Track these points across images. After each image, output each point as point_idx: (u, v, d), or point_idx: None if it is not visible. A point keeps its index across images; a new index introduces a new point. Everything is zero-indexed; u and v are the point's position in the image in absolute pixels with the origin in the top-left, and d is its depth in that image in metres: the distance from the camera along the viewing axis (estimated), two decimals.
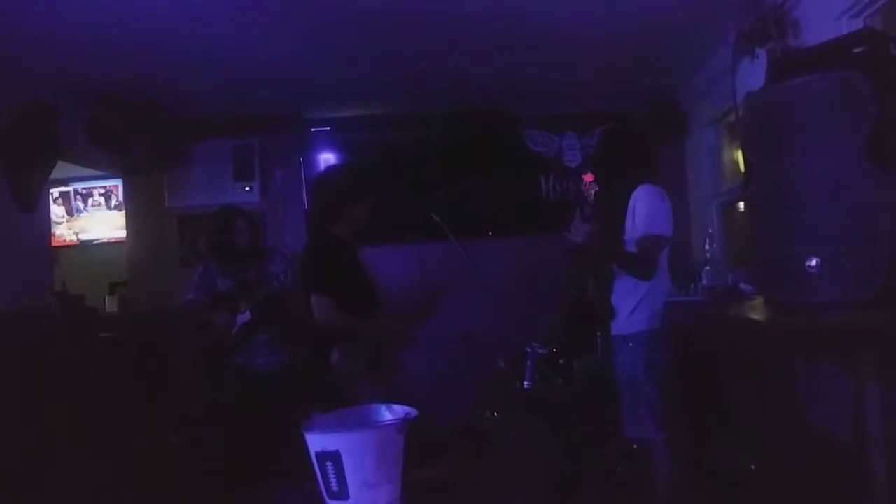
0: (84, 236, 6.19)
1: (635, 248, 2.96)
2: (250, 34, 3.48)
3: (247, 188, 5.01)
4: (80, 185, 6.15)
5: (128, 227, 5.42)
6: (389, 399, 2.44)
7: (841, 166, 1.77)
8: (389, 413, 2.17)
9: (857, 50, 1.91)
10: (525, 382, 3.70)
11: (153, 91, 4.23)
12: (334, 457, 1.87)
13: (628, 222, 2.98)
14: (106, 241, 6.12)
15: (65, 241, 6.15)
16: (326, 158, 5.21)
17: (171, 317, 4.25)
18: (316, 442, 1.93)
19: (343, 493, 1.89)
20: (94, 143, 4.30)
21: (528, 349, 3.71)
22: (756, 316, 2.17)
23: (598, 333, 3.32)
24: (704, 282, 3.01)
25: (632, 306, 2.97)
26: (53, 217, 5.79)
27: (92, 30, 3.24)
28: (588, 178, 3.29)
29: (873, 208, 1.72)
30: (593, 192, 3.20)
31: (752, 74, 2.99)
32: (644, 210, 2.93)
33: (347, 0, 3.18)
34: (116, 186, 5.90)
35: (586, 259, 3.30)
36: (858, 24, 2.69)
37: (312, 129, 5.23)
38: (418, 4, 3.28)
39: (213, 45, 3.58)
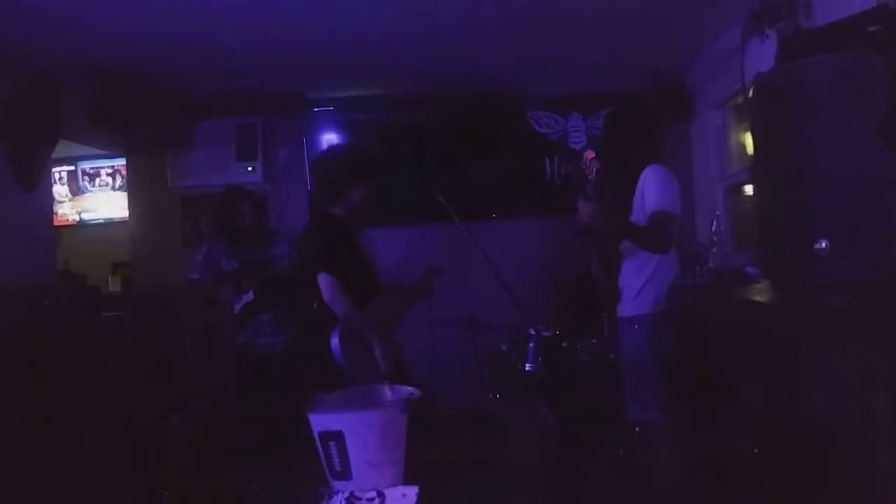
0: (87, 216, 6.19)
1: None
2: (253, 12, 3.44)
3: (249, 168, 4.98)
4: (87, 165, 6.14)
5: (130, 206, 5.41)
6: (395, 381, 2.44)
7: (852, 147, 1.73)
8: (393, 393, 2.16)
9: (871, 28, 1.87)
10: (528, 365, 3.69)
11: (154, 70, 4.20)
12: (337, 437, 1.87)
13: (636, 203, 2.96)
14: (103, 220, 6.12)
15: (67, 220, 6.14)
16: (329, 139, 5.18)
17: (174, 297, 4.24)
18: (319, 422, 1.92)
19: (346, 473, 1.89)
20: (94, 122, 4.28)
21: (532, 332, 3.70)
22: (762, 299, 2.15)
23: (604, 315, 3.31)
24: (710, 264, 2.99)
25: (638, 288, 2.96)
26: (56, 196, 5.78)
27: (93, 8, 3.21)
28: (589, 155, 3.23)
29: (885, 190, 1.69)
30: (595, 169, 3.15)
31: (762, 55, 2.95)
32: (654, 188, 2.91)
33: None
34: (124, 166, 5.88)
35: (594, 240, 3.27)
36: (871, 2, 2.64)
37: (315, 109, 5.19)
38: None
39: (216, 24, 3.54)
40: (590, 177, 3.12)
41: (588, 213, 2.97)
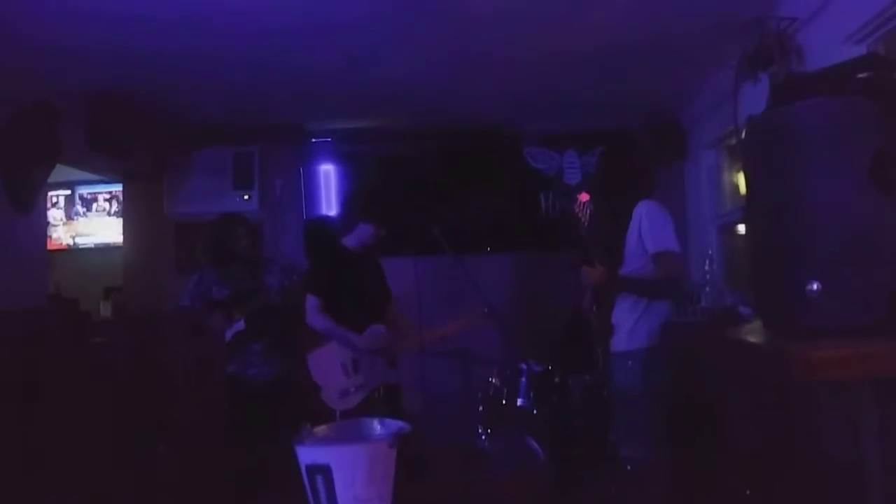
0: (81, 240, 6.18)
1: (647, 263, 2.95)
2: (253, 44, 3.48)
3: (245, 197, 4.99)
4: (85, 190, 6.16)
5: (125, 232, 5.41)
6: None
7: (843, 191, 1.75)
8: (382, 427, 2.14)
9: (861, 75, 1.91)
10: (519, 400, 3.66)
11: (154, 98, 4.22)
12: (324, 470, 1.84)
13: (631, 238, 2.97)
14: (95, 245, 6.11)
15: (61, 244, 6.13)
16: (326, 169, 5.21)
17: (166, 323, 4.22)
18: (306, 455, 1.90)
19: None
20: (93, 147, 4.29)
21: (524, 366, 3.68)
22: (754, 339, 2.15)
23: (598, 350, 3.31)
24: (703, 303, 2.99)
25: (632, 322, 2.97)
26: (50, 220, 5.78)
27: (94, 36, 3.25)
28: (583, 197, 3.27)
29: (875, 233, 1.70)
30: (588, 212, 3.19)
31: (755, 98, 3.00)
32: (652, 226, 2.93)
33: (348, 12, 3.18)
34: (122, 192, 5.89)
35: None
36: (861, 50, 2.70)
37: (313, 140, 5.23)
38: (420, 18, 3.29)
39: (216, 54, 3.58)
40: (583, 220, 3.15)
41: (594, 278, 3.02)
